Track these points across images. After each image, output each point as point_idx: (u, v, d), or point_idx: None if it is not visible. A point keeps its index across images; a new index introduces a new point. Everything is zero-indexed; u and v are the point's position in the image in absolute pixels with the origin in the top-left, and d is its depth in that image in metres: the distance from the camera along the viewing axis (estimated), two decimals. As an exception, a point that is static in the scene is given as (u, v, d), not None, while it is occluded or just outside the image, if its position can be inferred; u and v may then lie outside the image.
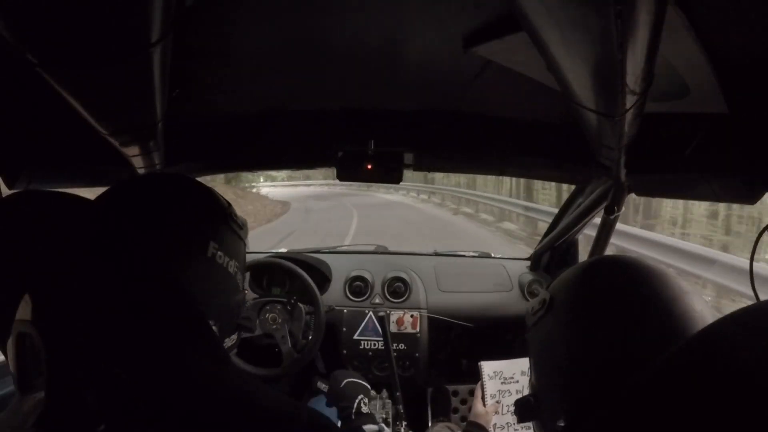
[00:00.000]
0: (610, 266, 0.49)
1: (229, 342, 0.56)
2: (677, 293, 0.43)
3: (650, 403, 0.31)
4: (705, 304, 0.44)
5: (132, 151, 0.80)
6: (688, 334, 0.38)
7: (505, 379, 1.19)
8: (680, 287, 0.44)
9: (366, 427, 0.90)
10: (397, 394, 1.35)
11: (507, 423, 1.16)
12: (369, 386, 1.04)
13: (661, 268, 0.47)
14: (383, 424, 0.92)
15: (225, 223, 0.54)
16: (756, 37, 0.50)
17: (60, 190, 0.40)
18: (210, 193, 0.55)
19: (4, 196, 0.67)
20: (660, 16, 0.39)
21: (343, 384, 1.01)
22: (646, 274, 0.45)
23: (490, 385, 1.17)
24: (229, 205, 0.57)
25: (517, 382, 1.19)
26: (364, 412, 0.94)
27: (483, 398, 1.15)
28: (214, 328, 0.50)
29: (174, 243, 0.48)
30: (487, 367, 1.19)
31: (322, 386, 1.07)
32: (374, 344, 1.51)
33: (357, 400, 0.95)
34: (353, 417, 0.93)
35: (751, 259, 0.63)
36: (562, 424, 0.45)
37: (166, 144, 0.92)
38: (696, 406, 0.28)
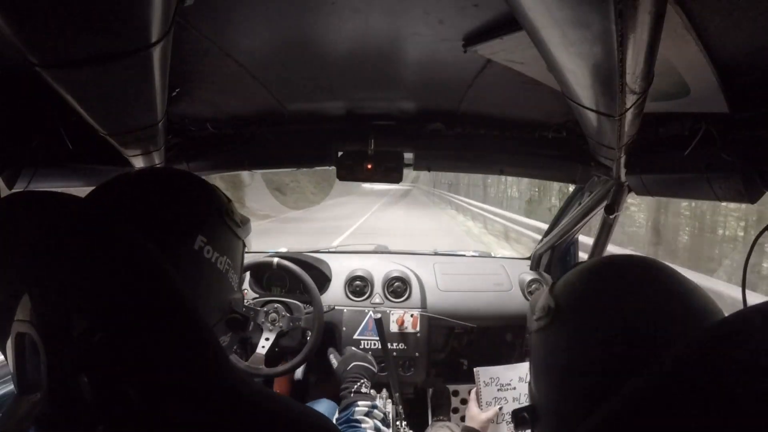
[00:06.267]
0: (615, 268, 0.47)
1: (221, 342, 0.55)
2: (687, 292, 0.42)
3: (666, 395, 0.30)
4: (713, 301, 0.42)
5: (132, 151, 0.80)
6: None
7: (501, 386, 1.15)
8: (688, 285, 0.43)
9: (360, 402, 0.97)
10: (396, 394, 1.34)
11: None
12: (375, 369, 1.14)
13: (666, 266, 0.45)
14: (377, 402, 0.99)
15: (219, 217, 0.52)
16: (756, 37, 0.50)
17: (59, 190, 0.40)
18: (205, 188, 0.53)
19: (3, 196, 0.67)
20: (660, 15, 0.39)
21: (350, 366, 1.10)
22: (653, 273, 0.44)
23: (486, 392, 1.14)
24: (229, 201, 0.56)
25: (515, 389, 1.15)
26: (363, 392, 1.03)
27: (479, 402, 1.13)
28: None
29: (160, 234, 0.46)
30: (483, 373, 1.16)
31: (334, 361, 1.15)
32: (374, 344, 1.51)
33: (359, 384, 1.04)
34: (351, 395, 1.01)
35: (746, 264, 0.62)
36: None
37: (166, 144, 0.92)
38: (716, 395, 0.27)
